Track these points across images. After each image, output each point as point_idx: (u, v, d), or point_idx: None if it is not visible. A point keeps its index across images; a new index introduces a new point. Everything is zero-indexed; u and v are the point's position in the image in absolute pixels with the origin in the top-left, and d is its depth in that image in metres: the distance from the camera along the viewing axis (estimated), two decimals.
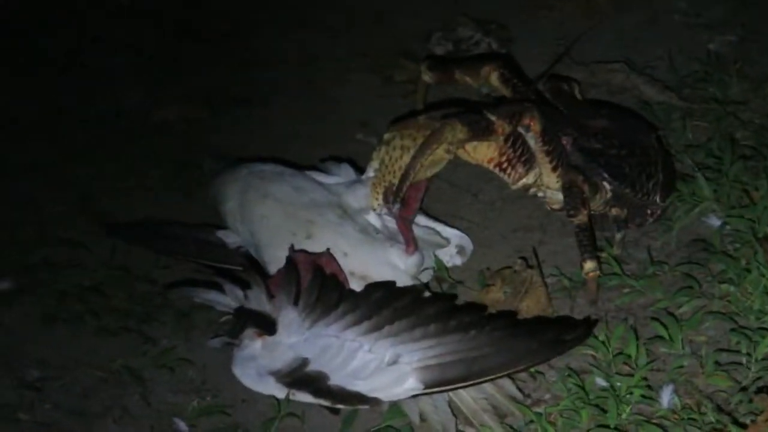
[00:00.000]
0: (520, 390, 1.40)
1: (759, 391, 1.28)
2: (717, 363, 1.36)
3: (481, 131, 1.52)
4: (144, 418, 1.53)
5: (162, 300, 1.78)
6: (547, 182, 1.63)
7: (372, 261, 1.61)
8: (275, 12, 2.86)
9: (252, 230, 1.70)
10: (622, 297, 1.55)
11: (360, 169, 1.79)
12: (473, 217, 1.87)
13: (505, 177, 1.62)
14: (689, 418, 1.27)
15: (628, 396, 1.32)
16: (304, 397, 1.38)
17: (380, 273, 1.58)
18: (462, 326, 1.36)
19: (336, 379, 1.36)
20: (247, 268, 1.58)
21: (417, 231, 1.68)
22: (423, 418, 1.38)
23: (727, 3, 2.35)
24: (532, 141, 1.58)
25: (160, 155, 2.30)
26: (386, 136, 1.65)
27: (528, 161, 1.60)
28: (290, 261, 1.54)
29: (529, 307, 1.52)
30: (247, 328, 1.47)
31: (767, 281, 1.45)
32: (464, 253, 1.74)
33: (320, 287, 1.47)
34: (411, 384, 1.33)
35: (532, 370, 1.41)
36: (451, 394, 1.37)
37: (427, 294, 1.57)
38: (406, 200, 1.60)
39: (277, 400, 1.42)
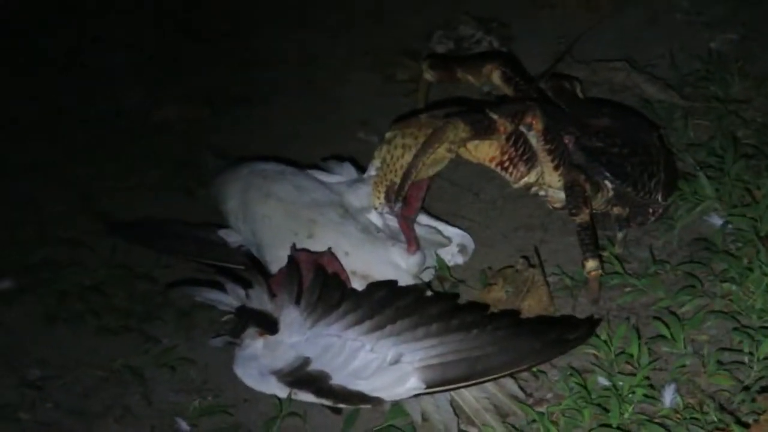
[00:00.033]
0: (522, 389, 1.39)
1: (761, 390, 1.27)
2: (719, 362, 1.35)
3: (483, 130, 1.51)
4: (145, 418, 1.53)
5: (163, 299, 1.78)
6: (548, 181, 1.63)
7: (374, 260, 1.61)
8: (275, 12, 2.86)
9: (253, 229, 1.70)
10: (624, 296, 1.55)
11: (361, 168, 1.79)
12: (475, 216, 1.87)
13: (507, 176, 1.62)
14: (691, 418, 1.26)
15: (630, 395, 1.32)
16: (306, 396, 1.38)
17: (382, 272, 1.58)
18: (464, 326, 1.36)
19: (338, 379, 1.35)
20: (248, 267, 1.58)
21: (418, 230, 1.68)
22: (425, 418, 1.37)
23: (728, 1, 2.34)
24: (534, 140, 1.58)
25: (161, 155, 2.30)
26: (388, 134, 1.65)
27: (530, 160, 1.60)
28: (292, 260, 1.54)
29: (531, 306, 1.52)
30: (248, 327, 1.48)
31: None
32: (466, 252, 1.73)
33: (322, 286, 1.46)
34: (413, 383, 1.32)
35: (534, 369, 1.41)
36: (453, 393, 1.37)
37: (428, 293, 1.57)
38: (408, 199, 1.60)
39: (279, 399, 1.41)
